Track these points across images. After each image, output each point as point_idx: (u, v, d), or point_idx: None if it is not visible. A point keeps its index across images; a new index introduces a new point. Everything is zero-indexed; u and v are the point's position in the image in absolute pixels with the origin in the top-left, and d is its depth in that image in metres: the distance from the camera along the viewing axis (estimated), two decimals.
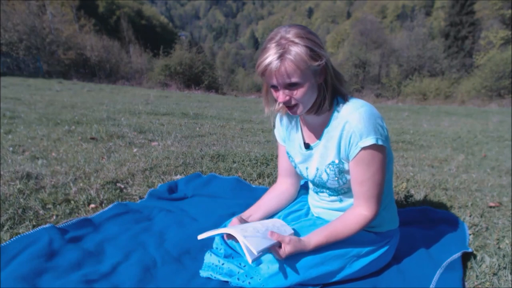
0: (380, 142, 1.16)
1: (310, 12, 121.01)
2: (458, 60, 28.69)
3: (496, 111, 12.85)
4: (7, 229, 1.62)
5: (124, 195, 2.10)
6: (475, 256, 1.54)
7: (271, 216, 1.49)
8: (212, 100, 11.87)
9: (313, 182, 1.41)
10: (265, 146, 3.56)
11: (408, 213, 1.96)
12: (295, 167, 1.44)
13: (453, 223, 1.83)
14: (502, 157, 4.01)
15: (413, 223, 1.84)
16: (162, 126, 4.46)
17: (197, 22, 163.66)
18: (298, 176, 1.52)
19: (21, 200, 1.88)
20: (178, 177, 2.40)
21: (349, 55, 32.70)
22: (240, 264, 1.32)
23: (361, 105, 1.19)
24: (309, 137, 1.35)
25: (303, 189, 1.63)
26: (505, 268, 1.45)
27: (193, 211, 1.91)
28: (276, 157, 2.77)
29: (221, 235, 1.51)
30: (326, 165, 1.29)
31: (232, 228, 1.20)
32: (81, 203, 1.92)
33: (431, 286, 1.31)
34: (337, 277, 1.30)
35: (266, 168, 2.66)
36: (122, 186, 2.21)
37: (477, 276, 1.42)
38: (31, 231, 1.56)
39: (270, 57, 1.09)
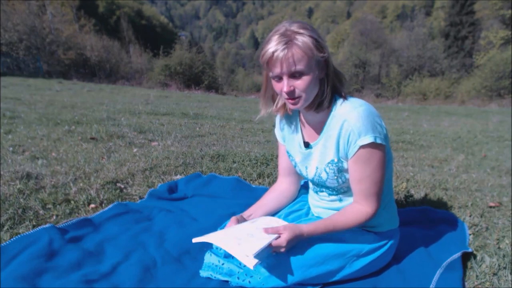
0: (378, 141, 1.17)
1: (310, 12, 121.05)
2: (458, 60, 28.69)
3: (496, 111, 12.85)
4: (7, 229, 1.62)
5: (124, 195, 2.10)
6: (475, 256, 1.54)
7: (271, 215, 1.50)
8: (212, 100, 11.87)
9: (312, 181, 1.41)
10: (265, 146, 3.56)
11: (408, 213, 1.96)
12: (295, 167, 1.44)
13: (453, 223, 1.83)
14: (502, 157, 4.01)
15: (413, 223, 1.84)
16: (162, 126, 4.46)
17: (197, 22, 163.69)
18: (298, 175, 1.53)
19: (21, 200, 1.88)
20: (178, 177, 2.40)
21: (349, 55, 32.70)
22: (240, 263, 1.32)
23: (359, 104, 1.20)
24: (309, 136, 1.35)
25: (303, 188, 1.63)
26: (505, 268, 1.45)
27: (193, 211, 1.91)
28: (276, 157, 2.77)
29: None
30: (325, 164, 1.29)
31: (225, 239, 1.18)
32: (81, 203, 1.92)
33: (431, 286, 1.31)
34: (337, 277, 1.31)
35: (266, 168, 2.66)
36: (122, 186, 2.21)
37: (477, 276, 1.42)
38: (31, 231, 1.56)
39: (277, 45, 1.10)
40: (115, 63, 24.42)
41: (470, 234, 1.76)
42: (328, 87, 1.21)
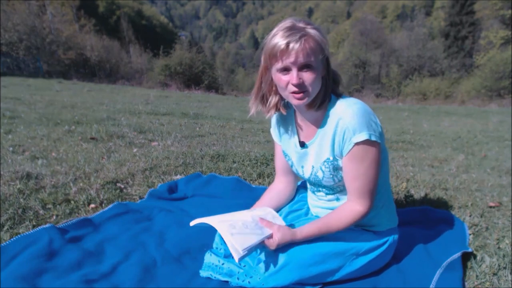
0: (373, 138, 1.17)
1: (310, 12, 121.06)
2: (458, 60, 28.68)
3: (496, 111, 12.84)
4: (7, 229, 1.62)
5: (124, 195, 2.10)
6: (475, 256, 1.54)
7: None
8: (212, 100, 11.87)
9: (309, 180, 1.41)
10: (265, 146, 3.56)
11: (408, 213, 1.96)
12: (291, 166, 1.44)
13: (453, 223, 1.83)
14: (502, 157, 4.00)
15: (413, 223, 1.84)
16: (162, 126, 4.46)
17: (197, 22, 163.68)
18: (295, 174, 1.53)
19: (21, 200, 1.88)
20: (178, 177, 2.40)
21: (349, 55, 32.73)
22: (240, 263, 1.32)
23: (354, 102, 1.21)
24: (304, 136, 1.35)
25: (303, 188, 1.63)
26: (505, 268, 1.45)
27: (193, 211, 1.91)
28: None
29: (219, 234, 1.51)
30: (321, 163, 1.29)
31: (221, 224, 1.19)
32: (81, 203, 1.92)
33: (431, 286, 1.31)
34: (337, 276, 1.30)
35: (266, 168, 2.66)
36: (122, 186, 2.21)
37: (477, 276, 1.42)
38: (31, 231, 1.56)
39: (290, 36, 1.10)
40: (115, 63, 24.41)
41: (470, 234, 1.76)
42: (328, 85, 1.22)
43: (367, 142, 1.17)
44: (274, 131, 1.49)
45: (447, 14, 31.02)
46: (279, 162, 1.52)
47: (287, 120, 1.41)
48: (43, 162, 2.55)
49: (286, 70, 1.15)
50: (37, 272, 1.30)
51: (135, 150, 3.03)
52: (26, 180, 2.13)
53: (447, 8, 31.54)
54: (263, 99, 1.30)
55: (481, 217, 1.98)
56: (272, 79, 1.22)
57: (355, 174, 1.22)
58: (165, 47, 21.84)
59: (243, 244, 1.14)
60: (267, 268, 1.24)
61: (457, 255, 1.48)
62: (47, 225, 1.61)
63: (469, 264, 1.49)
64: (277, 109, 1.31)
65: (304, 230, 1.26)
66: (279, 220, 1.33)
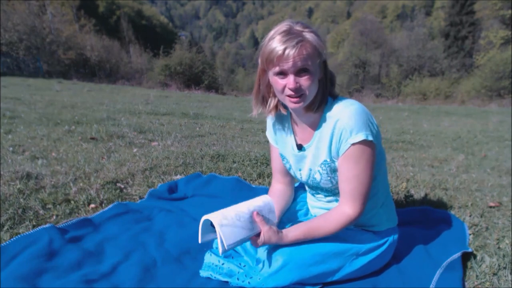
0: (370, 138, 1.17)
1: (310, 12, 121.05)
2: (458, 60, 28.67)
3: (496, 111, 12.84)
4: (7, 229, 1.62)
5: (124, 195, 2.10)
6: (475, 256, 1.54)
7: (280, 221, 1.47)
8: (212, 100, 11.87)
9: (307, 183, 1.41)
10: (265, 146, 3.56)
11: (408, 213, 1.96)
12: (289, 169, 1.44)
13: (453, 223, 1.83)
14: (502, 157, 4.00)
15: (413, 223, 1.84)
16: (162, 126, 4.47)
17: (197, 22, 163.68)
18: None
19: (21, 200, 1.88)
20: (178, 177, 2.40)
21: (349, 55, 32.73)
22: (240, 264, 1.32)
23: (350, 103, 1.21)
24: (302, 139, 1.35)
25: (302, 189, 1.63)
26: (505, 268, 1.45)
27: (193, 211, 1.91)
28: None
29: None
30: (318, 165, 1.29)
31: (214, 214, 1.19)
32: (81, 203, 1.92)
33: (431, 286, 1.31)
34: (337, 276, 1.30)
35: (266, 168, 2.66)
36: (122, 186, 2.21)
37: (477, 276, 1.42)
38: (31, 231, 1.56)
39: (287, 41, 1.09)
40: (115, 63, 24.42)
41: (470, 234, 1.76)
42: (325, 88, 1.22)
43: (363, 142, 1.17)
44: (270, 134, 1.48)
45: (447, 14, 31.01)
46: (276, 164, 1.51)
47: (283, 123, 1.40)
48: (43, 162, 2.55)
49: (283, 74, 1.14)
50: (37, 272, 1.30)
51: (135, 150, 3.03)
52: (26, 180, 2.13)
53: (447, 8, 31.52)
54: (263, 101, 1.30)
55: (481, 217, 1.98)
56: (269, 81, 1.22)
57: (348, 175, 1.22)
58: (165, 47, 21.84)
59: (229, 238, 1.15)
60: (267, 268, 1.24)
61: (457, 255, 1.48)
62: (47, 225, 1.61)
63: (469, 264, 1.49)
64: (277, 110, 1.31)
65: (290, 234, 1.26)
66: (272, 216, 1.31)
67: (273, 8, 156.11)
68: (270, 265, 1.24)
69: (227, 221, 1.18)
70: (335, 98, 1.25)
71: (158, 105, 7.59)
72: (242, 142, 3.71)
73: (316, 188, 1.40)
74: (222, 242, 1.14)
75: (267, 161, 2.81)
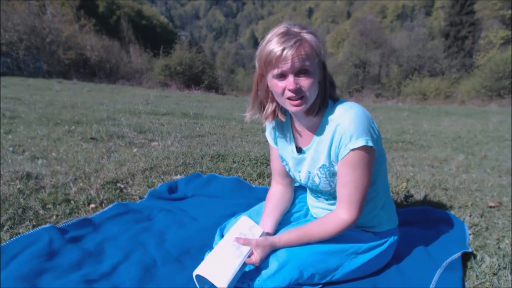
0: (370, 144, 1.15)
1: (310, 12, 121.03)
2: (458, 60, 28.67)
3: (496, 111, 12.84)
4: (7, 229, 1.62)
5: (124, 195, 2.10)
6: (475, 256, 1.54)
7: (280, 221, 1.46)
8: (212, 100, 11.88)
9: (306, 185, 1.40)
10: (265, 146, 3.56)
11: (408, 213, 1.96)
12: (288, 171, 1.43)
13: (453, 223, 1.83)
14: (502, 157, 4.00)
15: (413, 223, 1.84)
16: (162, 126, 4.46)
17: (197, 22, 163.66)
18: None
19: (21, 200, 1.88)
20: (178, 177, 2.40)
21: (349, 55, 32.72)
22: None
23: (351, 107, 1.19)
24: (301, 141, 1.34)
25: (302, 189, 1.62)
26: (505, 268, 1.45)
27: (193, 211, 1.91)
28: None
29: (219, 234, 1.51)
30: (317, 169, 1.28)
31: (200, 266, 1.18)
32: (81, 203, 1.92)
33: (431, 286, 1.31)
34: (337, 275, 1.30)
35: (266, 168, 2.66)
36: (122, 186, 2.21)
37: (477, 276, 1.42)
38: (31, 231, 1.56)
39: (285, 42, 1.08)
40: (115, 63, 24.41)
41: (470, 234, 1.76)
42: (325, 90, 1.21)
43: (363, 148, 1.16)
44: (269, 136, 1.47)
45: (447, 14, 31.01)
46: (275, 165, 1.49)
47: (283, 125, 1.39)
48: (43, 162, 2.55)
49: (282, 76, 1.13)
50: (37, 272, 1.30)
51: (135, 150, 3.03)
52: (26, 180, 2.13)
53: (447, 8, 31.52)
54: (261, 107, 1.27)
55: (481, 217, 1.98)
56: (267, 86, 1.20)
57: (346, 181, 1.20)
58: (165, 47, 21.84)
59: (224, 276, 1.13)
60: (266, 270, 1.24)
61: (457, 255, 1.48)
62: (47, 225, 1.61)
63: (469, 264, 1.49)
64: (275, 116, 1.29)
65: (284, 237, 1.26)
66: (256, 229, 1.30)
67: (273, 8, 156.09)
68: (269, 266, 1.24)
69: (213, 262, 1.17)
70: (336, 100, 1.24)
71: (158, 105, 7.59)
72: (242, 142, 3.71)
73: (316, 192, 1.40)
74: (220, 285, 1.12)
75: (267, 161, 2.81)
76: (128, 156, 2.80)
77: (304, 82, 1.12)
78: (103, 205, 1.94)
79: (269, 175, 2.53)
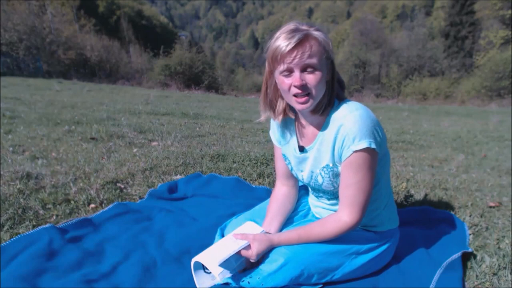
0: (373, 146, 1.14)
1: (310, 12, 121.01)
2: (458, 60, 28.67)
3: (496, 111, 12.84)
4: (7, 229, 1.62)
5: (124, 195, 2.10)
6: (475, 256, 1.54)
7: (284, 223, 1.46)
8: (212, 100, 11.87)
9: (309, 185, 1.40)
10: (265, 146, 3.56)
11: (408, 213, 1.96)
12: (291, 170, 1.43)
13: (453, 223, 1.83)
14: (502, 157, 4.00)
15: (413, 223, 1.84)
16: (162, 126, 4.46)
17: (197, 22, 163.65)
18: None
19: (21, 200, 1.88)
20: (178, 177, 2.40)
21: (349, 55, 32.68)
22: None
23: (356, 108, 1.18)
24: (304, 140, 1.33)
25: (303, 189, 1.62)
26: (505, 268, 1.45)
27: (193, 211, 1.91)
28: None
29: (220, 234, 1.52)
30: (320, 169, 1.28)
31: (202, 254, 1.21)
32: (81, 203, 1.92)
33: (431, 286, 1.31)
34: (337, 275, 1.30)
35: (266, 168, 2.66)
36: (122, 186, 2.21)
37: (477, 276, 1.42)
38: (31, 231, 1.56)
39: (292, 38, 1.08)
40: (115, 63, 24.39)
41: (470, 234, 1.76)
42: (332, 90, 1.20)
43: (366, 150, 1.15)
44: (273, 134, 1.46)
45: (447, 14, 31.00)
46: (279, 165, 1.48)
47: (287, 123, 1.39)
48: (43, 162, 2.55)
49: (288, 72, 1.13)
50: (37, 272, 1.30)
51: (135, 150, 3.03)
52: (26, 180, 2.13)
53: (447, 8, 31.52)
54: (271, 105, 1.28)
55: (481, 217, 1.98)
56: (276, 83, 1.20)
57: (348, 182, 1.20)
58: (165, 47, 21.85)
59: (218, 257, 1.15)
60: (266, 268, 1.24)
61: (457, 255, 1.48)
62: (47, 225, 1.61)
63: (469, 264, 1.49)
64: (286, 114, 1.29)
65: (282, 236, 1.26)
66: (257, 229, 1.32)
67: (273, 8, 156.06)
68: (269, 264, 1.24)
69: (210, 251, 1.20)
70: (341, 100, 1.23)
71: (158, 105, 7.59)
72: (242, 142, 3.71)
73: (318, 191, 1.40)
74: (214, 266, 1.14)
75: (267, 161, 2.81)
76: (128, 156, 2.80)
77: (310, 78, 1.12)
78: (103, 205, 1.94)
79: (269, 175, 2.53)
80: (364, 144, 1.14)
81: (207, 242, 1.51)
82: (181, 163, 2.66)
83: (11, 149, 2.89)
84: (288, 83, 1.13)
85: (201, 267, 1.26)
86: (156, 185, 2.23)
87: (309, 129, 1.30)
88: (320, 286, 1.30)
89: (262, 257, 1.26)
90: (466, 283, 1.39)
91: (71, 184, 2.14)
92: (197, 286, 1.24)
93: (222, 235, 1.49)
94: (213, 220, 1.74)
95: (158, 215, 1.83)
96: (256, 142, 3.79)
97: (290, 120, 1.37)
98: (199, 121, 5.25)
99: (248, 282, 1.24)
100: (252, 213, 1.55)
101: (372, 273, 1.38)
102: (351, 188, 1.20)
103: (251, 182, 2.41)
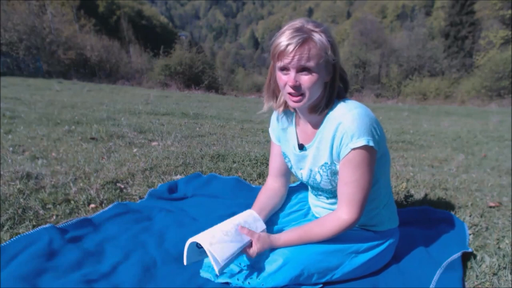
0: (371, 144, 1.15)
1: (310, 12, 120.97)
2: (458, 60, 28.68)
3: (496, 111, 12.84)
4: (7, 229, 1.62)
5: (124, 195, 2.10)
6: (475, 256, 1.54)
7: (271, 216, 1.49)
8: (212, 100, 11.87)
9: (308, 183, 1.41)
10: (265, 146, 3.57)
11: (408, 213, 1.96)
12: (290, 168, 1.43)
13: (453, 223, 1.83)
14: (502, 157, 4.01)
15: (413, 223, 1.84)
16: (162, 126, 4.46)
17: (197, 22, 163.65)
18: (289, 176, 1.53)
19: (21, 200, 1.88)
20: (178, 177, 2.40)
21: (349, 55, 32.67)
22: (240, 264, 1.32)
23: (354, 106, 1.19)
24: (303, 138, 1.34)
25: (303, 188, 1.63)
26: (505, 268, 1.45)
27: (193, 211, 1.91)
28: None
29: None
30: (319, 167, 1.29)
31: (200, 235, 1.20)
32: (81, 203, 1.92)
33: (431, 286, 1.31)
34: (337, 274, 1.30)
35: (266, 168, 2.66)
36: (122, 186, 2.21)
37: (477, 276, 1.42)
38: (31, 231, 1.56)
39: (293, 38, 1.09)
40: (115, 63, 24.38)
41: (470, 234, 1.76)
42: (332, 91, 1.21)
43: (364, 147, 1.15)
44: (273, 132, 1.48)
45: (447, 14, 31.01)
46: (275, 163, 1.50)
47: (287, 121, 1.40)
48: (43, 162, 2.55)
49: (285, 70, 1.15)
50: (37, 272, 1.29)
51: (135, 150, 3.03)
52: (26, 180, 2.13)
53: (447, 8, 31.52)
54: (273, 95, 1.30)
55: (481, 217, 1.98)
56: None
57: (347, 180, 1.20)
58: (165, 47, 21.85)
59: (223, 254, 1.15)
60: (266, 268, 1.24)
61: (457, 255, 1.48)
62: (47, 225, 1.61)
63: (469, 264, 1.49)
64: (286, 107, 1.31)
65: (284, 236, 1.27)
66: (260, 224, 1.32)
67: (273, 8, 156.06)
68: (270, 264, 1.24)
69: (215, 239, 1.18)
70: (341, 99, 1.24)
71: (158, 105, 7.59)
72: (242, 142, 3.71)
73: (317, 189, 1.40)
74: (216, 260, 1.13)
75: (267, 161, 2.81)
76: (128, 156, 2.80)
77: (305, 80, 1.13)
78: (103, 205, 1.94)
79: None
80: (362, 142, 1.14)
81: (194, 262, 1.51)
82: (181, 163, 2.66)
83: (11, 149, 2.89)
84: (284, 80, 1.16)
85: (194, 247, 1.24)
86: (156, 185, 2.23)
87: (308, 127, 1.31)
88: (320, 285, 1.30)
89: (260, 256, 1.27)
90: (466, 283, 1.39)
91: (71, 184, 2.14)
92: (185, 263, 1.23)
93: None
94: (213, 220, 1.72)
95: (158, 215, 1.83)
96: (256, 142, 3.79)
97: (290, 117, 1.38)
98: (199, 121, 5.25)
99: (249, 283, 1.24)
100: None
101: (372, 273, 1.39)
102: (350, 186, 1.20)
103: (251, 182, 2.41)
